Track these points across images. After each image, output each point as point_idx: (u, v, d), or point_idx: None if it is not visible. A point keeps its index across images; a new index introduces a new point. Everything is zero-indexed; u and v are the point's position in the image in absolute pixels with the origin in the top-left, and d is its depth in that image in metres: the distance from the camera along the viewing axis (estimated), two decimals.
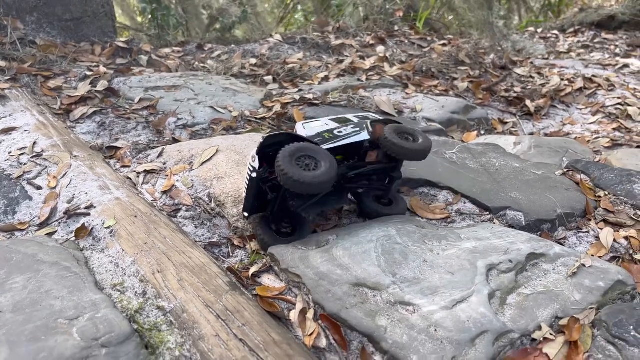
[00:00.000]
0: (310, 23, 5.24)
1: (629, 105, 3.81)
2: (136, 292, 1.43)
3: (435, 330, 1.38)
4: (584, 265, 1.74)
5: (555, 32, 6.70)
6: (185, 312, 1.33)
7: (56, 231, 1.75)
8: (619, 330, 1.42)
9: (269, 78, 3.92)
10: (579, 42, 6.20)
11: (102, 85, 3.09)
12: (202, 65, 4.08)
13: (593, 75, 4.42)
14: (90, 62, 3.65)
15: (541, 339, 1.43)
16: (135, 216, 1.76)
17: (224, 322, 1.30)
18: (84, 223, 1.74)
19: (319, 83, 3.89)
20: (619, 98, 3.93)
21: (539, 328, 1.46)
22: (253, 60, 4.23)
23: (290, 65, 4.11)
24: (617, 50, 5.92)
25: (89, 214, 1.79)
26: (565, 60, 5.23)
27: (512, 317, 1.49)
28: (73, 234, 1.71)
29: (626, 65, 5.00)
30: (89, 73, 3.26)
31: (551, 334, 1.45)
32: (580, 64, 5.04)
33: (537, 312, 1.52)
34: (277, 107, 3.19)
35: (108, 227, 1.70)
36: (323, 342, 1.37)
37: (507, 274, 1.65)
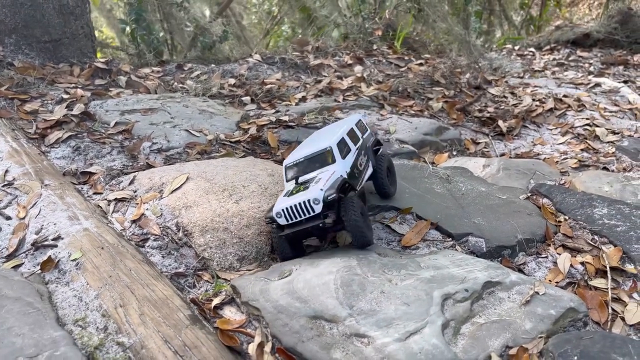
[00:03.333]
0: (289, 42, 5.32)
1: (597, 126, 3.93)
2: (97, 327, 1.46)
3: None
4: (537, 293, 1.80)
5: (532, 49, 6.86)
6: (144, 348, 1.37)
7: (23, 263, 1.78)
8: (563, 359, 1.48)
9: (247, 99, 3.97)
10: (554, 59, 6.35)
11: (78, 108, 3.12)
12: (181, 85, 4.13)
13: (564, 95, 4.55)
14: (68, 83, 3.68)
15: None
16: (102, 248, 1.80)
17: (181, 358, 1.34)
18: (50, 255, 1.77)
19: (296, 104, 3.96)
20: (587, 119, 4.05)
21: (489, 358, 1.52)
22: (232, 81, 4.29)
23: (269, 86, 4.17)
24: (591, 68, 6.08)
25: (56, 246, 1.82)
26: (539, 79, 5.37)
27: (464, 348, 1.55)
28: (39, 267, 1.74)
29: (598, 84, 5.14)
30: (65, 96, 3.30)
31: None
32: (553, 83, 5.17)
33: (488, 342, 1.58)
34: (253, 130, 3.25)
35: (74, 260, 1.74)
36: None
37: (462, 303, 1.71)
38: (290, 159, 2.13)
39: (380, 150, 2.45)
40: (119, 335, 1.42)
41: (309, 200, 1.83)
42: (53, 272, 1.72)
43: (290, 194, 1.93)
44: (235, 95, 4.03)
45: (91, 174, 2.58)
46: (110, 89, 3.76)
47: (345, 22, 5.86)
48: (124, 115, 3.16)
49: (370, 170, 2.26)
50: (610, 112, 4.37)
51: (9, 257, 1.82)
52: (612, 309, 1.88)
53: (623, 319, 1.85)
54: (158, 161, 2.77)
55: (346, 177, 1.99)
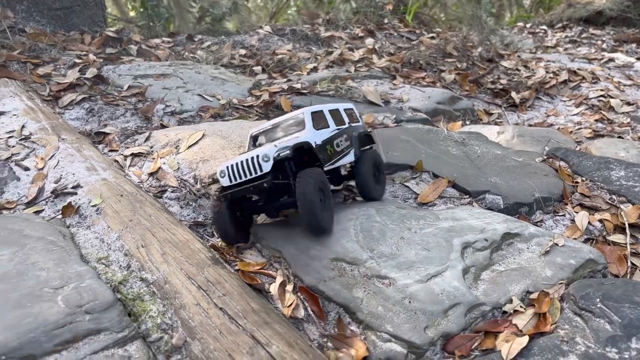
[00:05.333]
0: (300, 15, 5.28)
1: (611, 97, 3.88)
2: (120, 265, 1.47)
3: (410, 302, 1.43)
4: (556, 245, 1.80)
5: (544, 27, 6.78)
6: (167, 283, 1.38)
7: (43, 209, 1.79)
8: (586, 302, 1.48)
9: (258, 68, 3.95)
10: (566, 37, 6.28)
11: (91, 72, 3.11)
12: (192, 55, 4.11)
13: (578, 69, 4.49)
14: (79, 50, 3.67)
15: (511, 311, 1.49)
16: (121, 195, 1.80)
17: (205, 292, 1.35)
18: (70, 201, 1.78)
19: (308, 73, 3.93)
20: (602, 90, 4.01)
21: (510, 301, 1.52)
22: (242, 51, 4.26)
23: (280, 56, 4.14)
24: (604, 45, 6.00)
25: (75, 193, 1.83)
26: (552, 54, 5.31)
27: (484, 291, 1.55)
28: (60, 212, 1.75)
29: (611, 59, 5.08)
30: (78, 61, 3.29)
31: (521, 307, 1.51)
32: (566, 58, 5.11)
33: (509, 287, 1.58)
34: (265, 96, 3.23)
35: (94, 206, 1.74)
36: (301, 313, 1.42)
37: (482, 251, 1.71)
38: (258, 127, 1.87)
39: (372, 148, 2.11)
40: (142, 272, 1.43)
41: (257, 156, 1.54)
42: (74, 217, 1.72)
43: (245, 152, 1.68)
44: (246, 65, 4.01)
45: (105, 134, 2.58)
46: (121, 57, 3.75)
47: None
48: (137, 80, 3.15)
49: (349, 158, 1.91)
50: (625, 85, 4.32)
51: (29, 204, 1.82)
52: (632, 263, 1.87)
53: None
54: (172, 123, 2.76)
55: (315, 145, 1.68)
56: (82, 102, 2.86)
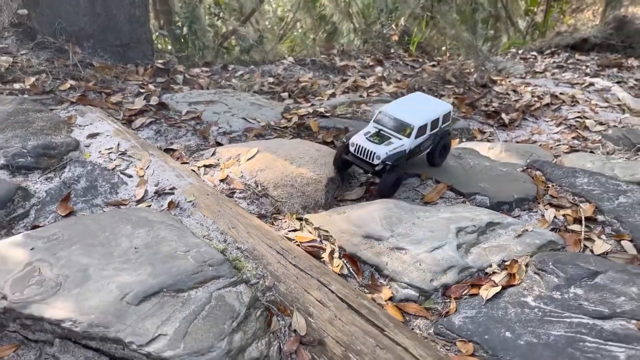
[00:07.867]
0: (318, 46, 6.00)
1: (586, 118, 4.56)
2: (219, 240, 2.12)
3: (420, 264, 2.08)
4: (527, 230, 2.44)
5: (534, 53, 7.49)
6: (255, 250, 2.03)
7: (151, 205, 2.45)
8: (542, 265, 2.12)
9: (285, 94, 4.64)
10: (554, 62, 6.98)
11: (154, 100, 3.80)
12: (227, 83, 4.81)
13: (560, 93, 5.18)
14: (136, 80, 4.37)
15: (491, 272, 2.14)
16: (208, 194, 2.46)
17: (282, 255, 2.00)
18: (171, 199, 2.44)
19: (328, 99, 4.62)
20: (579, 112, 4.68)
21: (490, 266, 2.16)
22: (270, 79, 4.96)
23: (303, 84, 4.84)
24: (588, 70, 6.69)
25: (173, 193, 2.48)
26: (540, 79, 6.00)
27: (472, 259, 2.20)
28: (164, 207, 2.41)
29: (592, 84, 5.76)
30: (141, 90, 3.98)
31: (498, 270, 2.15)
32: (552, 83, 5.80)
33: (490, 257, 2.22)
34: (295, 119, 3.91)
35: (190, 201, 2.40)
36: (345, 271, 2.06)
37: (471, 234, 2.36)
38: (387, 110, 2.72)
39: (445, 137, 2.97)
40: (236, 244, 2.08)
41: (374, 153, 2.52)
42: (175, 209, 2.38)
43: (370, 135, 2.62)
44: (275, 92, 4.70)
45: (173, 150, 3.25)
46: (171, 85, 4.45)
47: (363, 30, 6.52)
48: (191, 106, 3.83)
49: (426, 151, 2.90)
50: (601, 107, 4.99)
51: (138, 201, 2.48)
52: (584, 245, 2.51)
53: (592, 251, 2.48)
54: (224, 141, 3.43)
55: (407, 151, 2.64)
56: (151, 125, 3.54)
